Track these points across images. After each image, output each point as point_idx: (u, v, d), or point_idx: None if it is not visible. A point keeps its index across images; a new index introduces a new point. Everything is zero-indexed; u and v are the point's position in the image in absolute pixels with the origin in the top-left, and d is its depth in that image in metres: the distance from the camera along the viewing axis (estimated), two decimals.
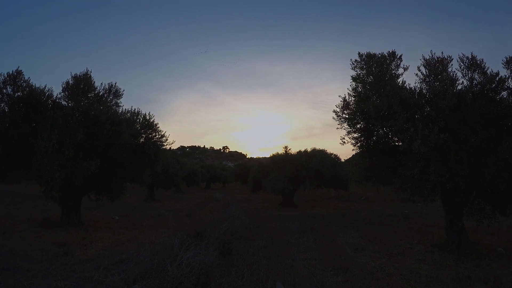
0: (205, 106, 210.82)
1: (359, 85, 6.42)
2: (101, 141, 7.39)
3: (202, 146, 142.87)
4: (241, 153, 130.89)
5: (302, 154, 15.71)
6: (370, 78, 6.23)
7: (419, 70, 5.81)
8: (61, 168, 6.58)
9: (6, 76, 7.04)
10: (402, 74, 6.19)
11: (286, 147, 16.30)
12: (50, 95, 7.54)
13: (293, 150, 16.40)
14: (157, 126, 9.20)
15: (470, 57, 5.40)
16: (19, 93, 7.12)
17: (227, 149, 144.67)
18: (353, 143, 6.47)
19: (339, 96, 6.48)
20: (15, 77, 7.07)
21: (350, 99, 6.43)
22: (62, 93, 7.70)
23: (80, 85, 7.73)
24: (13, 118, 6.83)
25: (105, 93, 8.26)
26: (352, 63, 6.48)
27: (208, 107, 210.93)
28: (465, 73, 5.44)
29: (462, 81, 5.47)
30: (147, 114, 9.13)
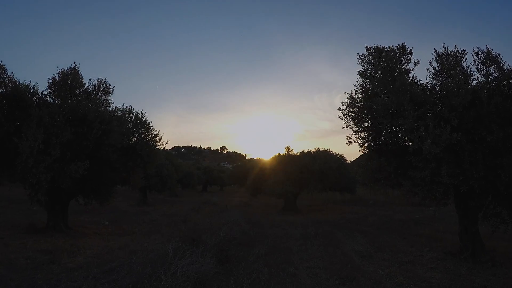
0: (184, 122, 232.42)
1: (367, 80, 6.41)
2: (90, 141, 7.38)
3: (198, 146, 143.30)
4: (240, 153, 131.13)
5: (305, 155, 15.70)
6: (378, 73, 6.22)
7: (431, 65, 5.81)
8: (47, 169, 6.58)
9: None
10: (412, 69, 6.20)
11: (288, 148, 16.27)
12: (36, 92, 7.54)
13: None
14: (150, 125, 9.21)
15: (485, 51, 5.39)
16: (1, 90, 7.11)
17: (225, 150, 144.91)
18: (360, 143, 6.47)
19: (345, 93, 6.49)
20: None
21: (357, 96, 6.42)
22: (48, 90, 7.71)
23: (68, 81, 7.72)
24: None
25: (94, 89, 8.26)
26: (359, 57, 6.48)
27: (186, 123, 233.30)
28: (480, 68, 5.43)
29: (477, 77, 5.47)
30: (139, 112, 9.15)
